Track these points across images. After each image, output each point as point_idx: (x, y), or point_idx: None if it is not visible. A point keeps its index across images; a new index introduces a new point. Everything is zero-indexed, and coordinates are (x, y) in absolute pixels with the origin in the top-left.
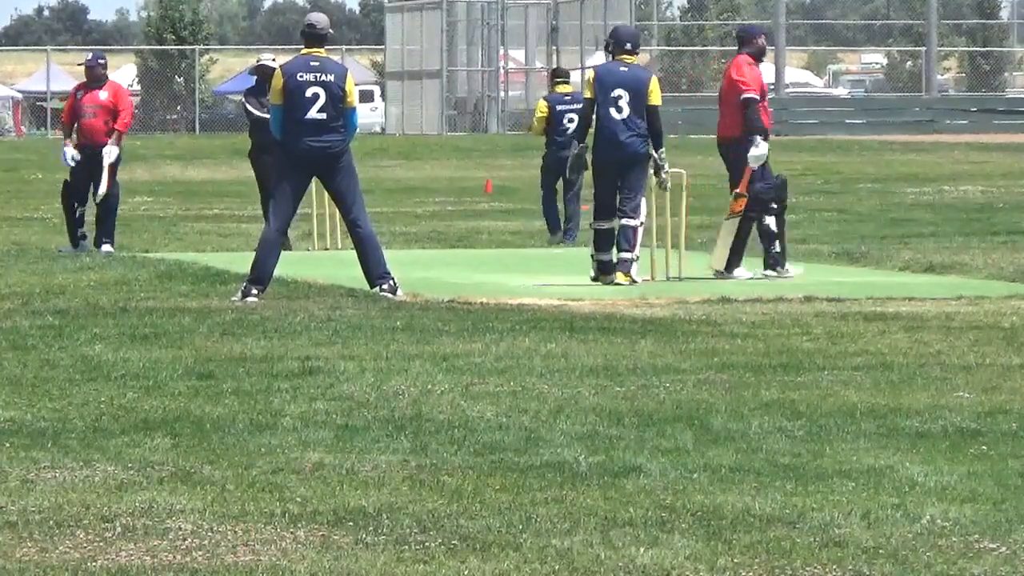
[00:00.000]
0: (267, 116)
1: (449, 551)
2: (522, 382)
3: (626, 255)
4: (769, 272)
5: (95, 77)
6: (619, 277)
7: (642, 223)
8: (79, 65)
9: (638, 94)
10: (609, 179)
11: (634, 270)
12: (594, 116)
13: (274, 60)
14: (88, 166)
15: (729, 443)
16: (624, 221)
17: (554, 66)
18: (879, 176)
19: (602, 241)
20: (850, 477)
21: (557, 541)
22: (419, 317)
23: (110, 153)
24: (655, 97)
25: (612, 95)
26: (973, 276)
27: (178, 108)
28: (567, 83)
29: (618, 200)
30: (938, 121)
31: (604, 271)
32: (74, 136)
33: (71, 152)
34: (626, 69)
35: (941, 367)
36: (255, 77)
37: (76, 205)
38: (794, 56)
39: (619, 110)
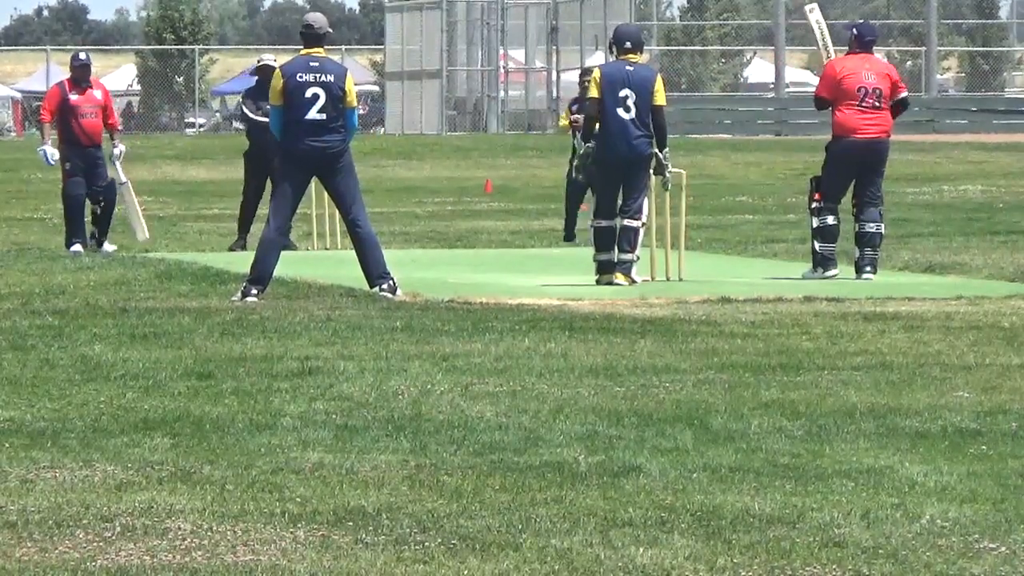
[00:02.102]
0: (262, 119)
1: (449, 551)
2: (522, 382)
3: (626, 256)
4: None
5: (87, 76)
6: (619, 278)
7: (644, 224)
8: (77, 65)
9: (645, 93)
10: (615, 179)
11: (634, 271)
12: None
13: (275, 60)
14: (90, 167)
15: (729, 443)
16: (626, 222)
17: (559, 68)
18: None
19: (602, 240)
20: (850, 477)
21: (557, 541)
22: (419, 317)
23: (123, 152)
24: (660, 96)
25: (620, 95)
26: (973, 276)
27: (189, 106)
28: None
29: (620, 201)
30: (938, 121)
31: (604, 270)
32: (60, 135)
33: (53, 151)
34: (631, 68)
35: (941, 367)
36: (256, 78)
37: (99, 204)
38: (794, 56)
39: (627, 110)
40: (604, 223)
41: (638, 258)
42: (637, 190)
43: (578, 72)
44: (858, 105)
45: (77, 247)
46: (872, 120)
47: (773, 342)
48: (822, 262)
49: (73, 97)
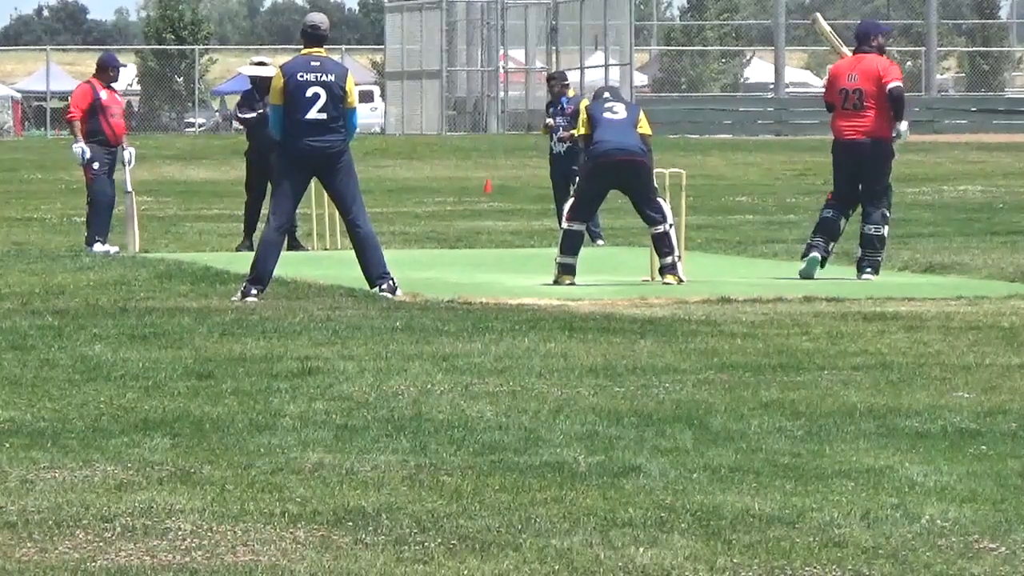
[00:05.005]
0: (251, 115)
1: (448, 551)
2: (522, 382)
3: (668, 260)
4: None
5: (114, 78)
6: (668, 278)
7: (671, 224)
8: (91, 65)
9: (632, 117)
10: (605, 182)
11: (679, 269)
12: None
13: (271, 62)
14: (112, 166)
15: (729, 443)
16: (654, 230)
17: (558, 69)
18: None
19: (570, 244)
20: (850, 477)
21: (557, 541)
22: (419, 317)
23: (132, 155)
24: (645, 127)
25: (605, 106)
26: (973, 276)
27: (190, 105)
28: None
29: (642, 214)
30: (938, 121)
31: (565, 273)
32: (88, 134)
33: (87, 149)
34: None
35: (941, 367)
36: (250, 81)
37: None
38: (794, 56)
39: (614, 112)
40: (576, 227)
41: (679, 257)
42: (650, 201)
43: (577, 72)
44: (842, 108)
45: (104, 246)
46: (853, 122)
47: (773, 342)
48: (805, 250)
49: (103, 96)
